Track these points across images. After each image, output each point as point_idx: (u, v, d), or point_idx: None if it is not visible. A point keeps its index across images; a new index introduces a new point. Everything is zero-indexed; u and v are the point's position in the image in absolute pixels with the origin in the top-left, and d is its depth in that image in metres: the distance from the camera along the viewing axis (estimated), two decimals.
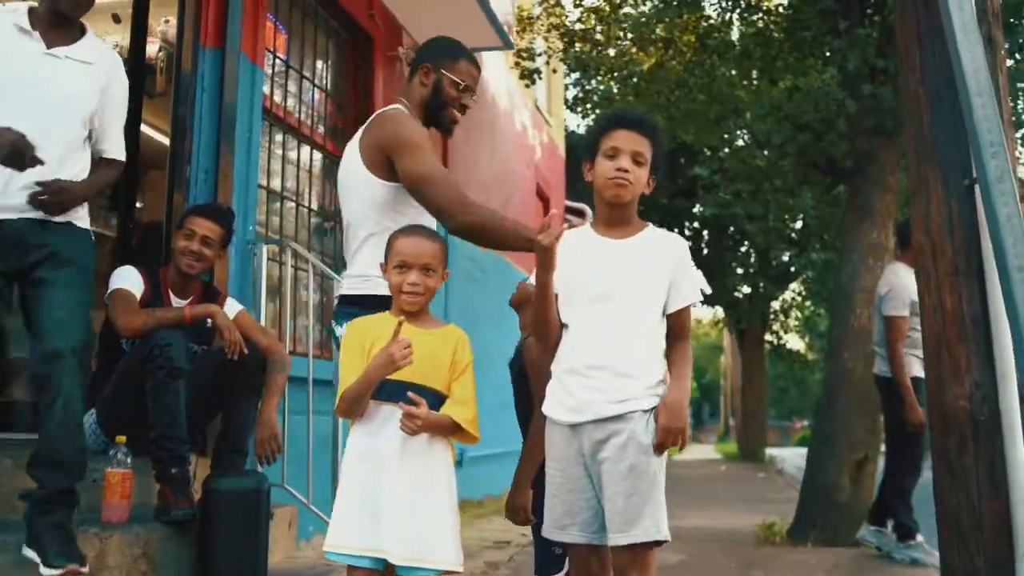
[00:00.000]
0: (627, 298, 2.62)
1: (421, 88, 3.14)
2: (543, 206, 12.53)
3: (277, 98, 5.48)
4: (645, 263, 2.65)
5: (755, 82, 9.08)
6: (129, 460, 3.52)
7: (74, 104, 3.19)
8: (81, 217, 3.24)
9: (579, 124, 27.29)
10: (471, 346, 2.73)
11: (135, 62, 4.84)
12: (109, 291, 3.88)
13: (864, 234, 6.88)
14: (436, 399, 2.62)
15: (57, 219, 3.13)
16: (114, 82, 3.32)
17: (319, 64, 6.10)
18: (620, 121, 2.68)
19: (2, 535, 3.18)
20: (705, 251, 21.54)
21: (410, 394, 2.52)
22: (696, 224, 21.27)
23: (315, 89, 6.02)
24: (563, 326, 2.67)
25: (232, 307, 4.13)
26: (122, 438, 3.55)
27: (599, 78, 10.71)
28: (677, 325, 2.67)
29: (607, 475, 2.54)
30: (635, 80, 9.68)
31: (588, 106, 12.18)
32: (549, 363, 2.71)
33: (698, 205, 19.52)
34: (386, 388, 2.56)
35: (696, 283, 2.70)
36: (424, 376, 2.61)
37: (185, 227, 3.99)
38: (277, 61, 5.52)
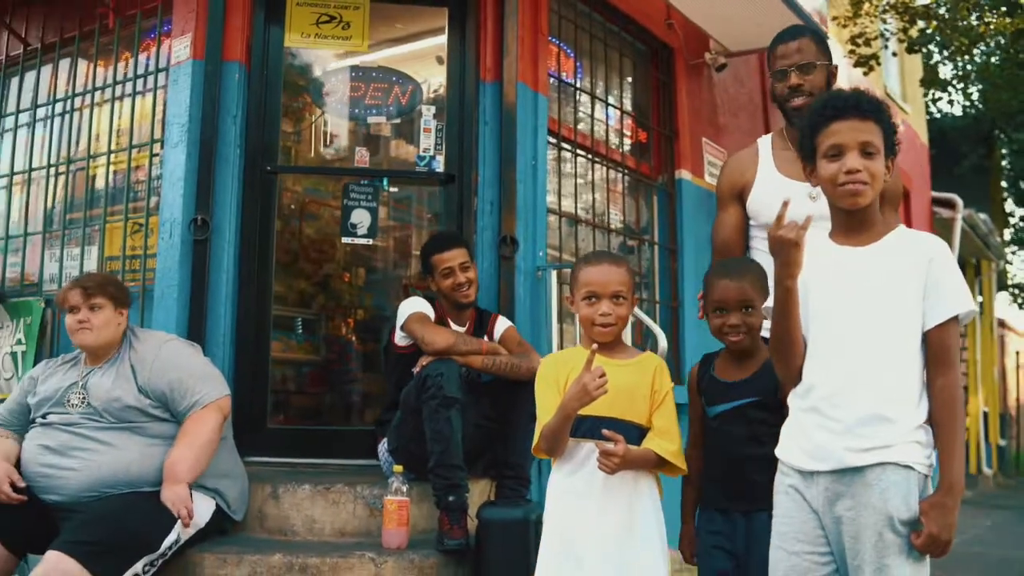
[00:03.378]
0: (873, 317, 2.19)
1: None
2: (903, 202, 11.54)
3: (568, 121, 5.50)
4: (892, 272, 2.20)
5: None
6: (406, 488, 3.67)
7: None
8: None
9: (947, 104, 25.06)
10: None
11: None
12: (406, 317, 4.04)
13: None
14: (637, 432, 2.46)
15: None
16: None
17: (615, 81, 6.05)
18: (835, 110, 2.25)
19: (301, 556, 3.47)
20: None
21: (605, 431, 2.37)
22: None
23: (611, 107, 5.97)
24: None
25: (502, 324, 4.22)
26: (399, 468, 3.71)
27: (951, 53, 9.64)
28: (937, 347, 2.16)
29: (848, 538, 2.13)
30: (999, 51, 8.63)
31: (954, 83, 11.05)
32: (789, 390, 2.34)
33: None
34: (584, 425, 2.44)
35: (957, 293, 2.18)
36: (622, 409, 2.45)
37: (439, 269, 4.10)
38: (567, 84, 5.54)
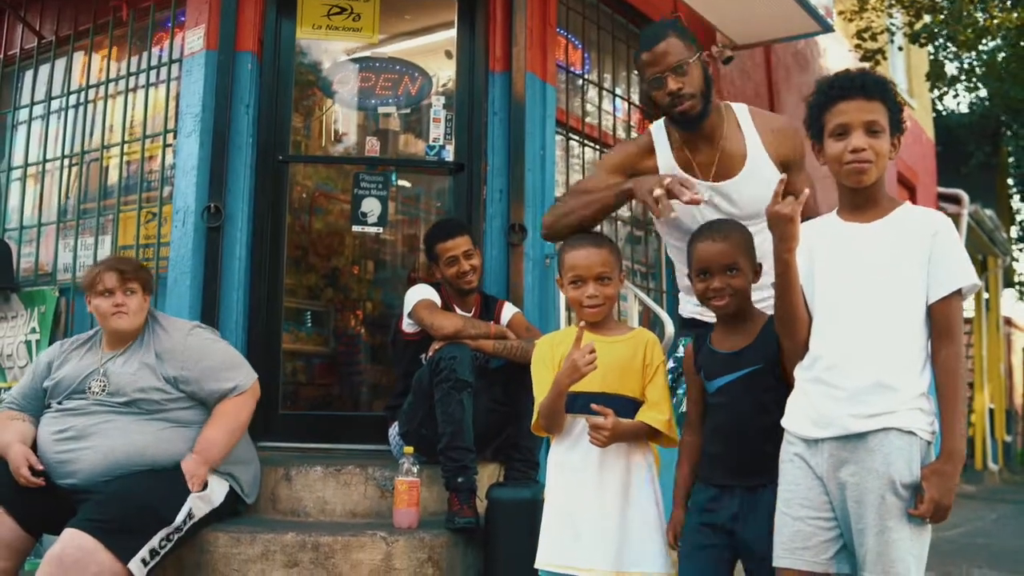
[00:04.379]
0: (878, 291, 2.25)
1: None
2: (909, 196, 11.57)
3: (577, 112, 5.55)
4: (897, 247, 2.26)
5: None
6: (416, 469, 3.72)
7: None
8: None
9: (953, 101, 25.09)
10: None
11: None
12: (413, 305, 4.09)
13: None
14: (632, 405, 2.52)
15: None
16: None
17: (623, 73, 6.10)
18: (840, 90, 2.31)
19: (314, 535, 3.52)
20: None
21: (594, 406, 2.44)
22: None
23: (619, 98, 6.02)
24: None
25: (509, 310, 4.29)
26: (409, 449, 3.76)
27: (958, 48, 9.66)
28: (939, 321, 2.23)
29: (852, 503, 2.19)
30: (1006, 46, 8.64)
31: (961, 80, 11.05)
32: (795, 363, 2.38)
33: None
34: (578, 401, 2.51)
35: (960, 266, 2.24)
36: (616, 384, 2.52)
37: (444, 257, 4.15)
38: (575, 76, 5.59)
